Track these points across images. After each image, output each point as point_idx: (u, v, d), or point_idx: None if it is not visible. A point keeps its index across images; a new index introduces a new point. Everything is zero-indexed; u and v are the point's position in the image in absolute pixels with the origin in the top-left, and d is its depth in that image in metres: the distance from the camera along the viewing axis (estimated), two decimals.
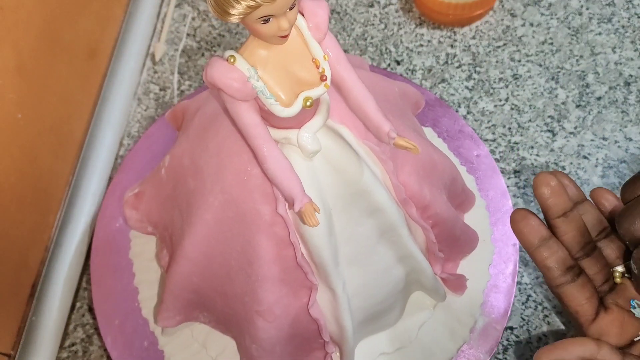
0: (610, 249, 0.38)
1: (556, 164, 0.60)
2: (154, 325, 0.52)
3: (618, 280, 0.38)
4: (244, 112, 0.37)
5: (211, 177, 0.43)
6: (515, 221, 0.36)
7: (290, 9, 0.33)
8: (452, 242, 0.49)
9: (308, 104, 0.37)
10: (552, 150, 0.61)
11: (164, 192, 0.49)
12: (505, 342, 0.53)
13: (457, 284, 0.51)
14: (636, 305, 0.36)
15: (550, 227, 0.37)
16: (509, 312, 0.52)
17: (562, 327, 0.54)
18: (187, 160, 0.45)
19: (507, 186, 0.58)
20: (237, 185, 0.41)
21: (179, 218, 0.46)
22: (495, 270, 0.53)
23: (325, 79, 0.37)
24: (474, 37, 0.67)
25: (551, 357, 0.35)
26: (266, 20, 0.33)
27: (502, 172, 0.59)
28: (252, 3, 0.32)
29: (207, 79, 0.36)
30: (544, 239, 0.36)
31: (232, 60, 0.35)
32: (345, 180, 0.41)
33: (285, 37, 0.35)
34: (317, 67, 0.37)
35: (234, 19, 0.33)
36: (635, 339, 0.36)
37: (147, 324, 0.53)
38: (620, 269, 0.38)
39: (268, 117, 0.38)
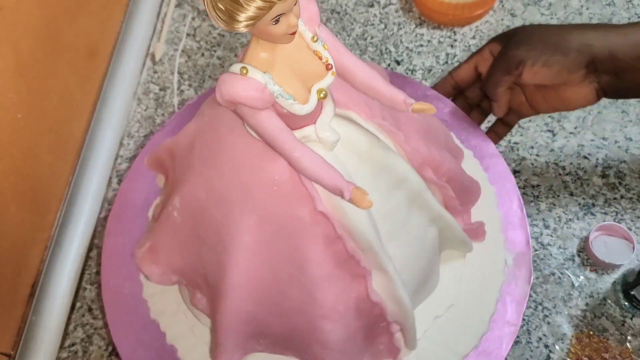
0: None
1: (556, 164, 0.60)
2: None
3: None
4: (267, 120, 0.36)
5: (238, 200, 0.42)
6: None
7: (294, 4, 0.34)
8: (464, 193, 0.51)
9: (322, 95, 0.37)
10: (552, 150, 0.61)
11: (181, 235, 0.47)
12: None
13: (478, 231, 0.53)
14: None
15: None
16: (530, 241, 0.53)
17: (562, 327, 0.54)
18: (203, 193, 0.44)
19: None
20: (269, 198, 0.41)
21: (211, 253, 0.45)
22: (504, 208, 0.55)
23: (331, 67, 0.38)
24: (474, 37, 0.67)
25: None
26: (277, 20, 0.33)
27: None
28: (264, 4, 0.31)
29: (223, 98, 0.35)
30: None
31: (244, 71, 0.35)
32: (368, 161, 0.42)
33: (294, 33, 0.35)
34: (320, 59, 0.37)
35: (242, 26, 0.32)
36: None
37: None
38: None
39: (285, 121, 0.38)
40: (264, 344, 0.49)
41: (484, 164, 0.56)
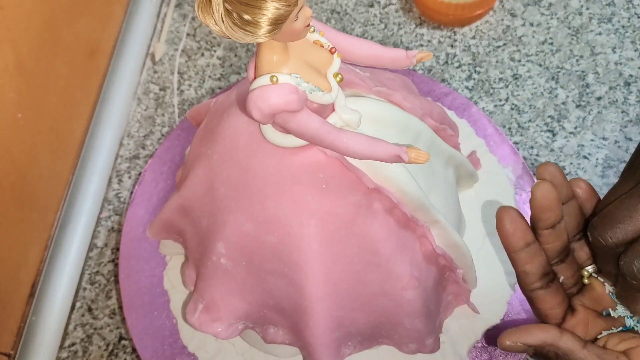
0: (583, 251, 0.38)
1: (556, 164, 0.60)
2: None
3: (586, 281, 0.38)
4: (308, 118, 0.37)
5: (292, 215, 0.41)
6: (501, 221, 0.35)
7: None
8: (452, 128, 0.53)
9: (338, 79, 0.38)
10: (552, 150, 0.61)
11: (238, 278, 0.45)
12: None
13: (475, 160, 0.57)
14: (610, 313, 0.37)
15: (535, 233, 0.36)
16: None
17: None
18: (250, 225, 0.42)
19: None
20: (321, 199, 0.41)
21: (279, 279, 0.44)
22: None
23: (335, 50, 0.38)
24: (474, 37, 0.67)
25: (514, 339, 0.35)
26: (297, 16, 0.33)
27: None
28: (288, 2, 0.31)
29: (263, 113, 0.35)
30: (527, 244, 0.35)
31: (274, 79, 0.35)
32: (388, 126, 0.43)
33: (309, 25, 0.35)
34: (322, 46, 0.38)
35: (268, 31, 0.31)
36: (599, 337, 0.36)
37: None
38: (590, 269, 0.38)
39: None
40: (352, 345, 0.48)
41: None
